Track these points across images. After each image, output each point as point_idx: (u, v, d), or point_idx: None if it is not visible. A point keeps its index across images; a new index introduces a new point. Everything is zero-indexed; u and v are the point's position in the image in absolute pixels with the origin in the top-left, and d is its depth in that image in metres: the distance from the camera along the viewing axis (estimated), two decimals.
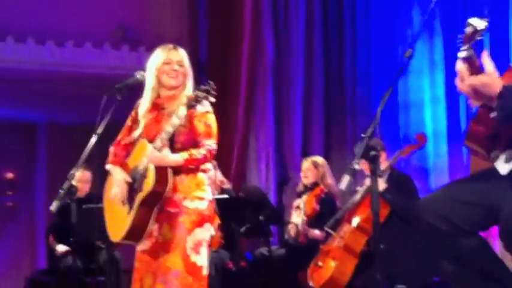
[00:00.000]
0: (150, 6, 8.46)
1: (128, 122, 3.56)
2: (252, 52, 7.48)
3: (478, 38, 1.99)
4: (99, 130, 3.48)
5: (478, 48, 2.06)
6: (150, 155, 3.23)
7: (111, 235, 3.49)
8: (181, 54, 3.46)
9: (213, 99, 3.20)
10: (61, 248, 5.71)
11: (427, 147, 6.09)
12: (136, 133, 3.44)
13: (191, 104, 3.16)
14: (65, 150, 10.12)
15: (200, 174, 3.38)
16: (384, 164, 4.88)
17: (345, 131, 7.13)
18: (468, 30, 2.00)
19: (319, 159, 5.77)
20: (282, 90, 7.54)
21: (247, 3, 7.48)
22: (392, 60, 6.58)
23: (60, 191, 3.51)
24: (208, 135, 3.35)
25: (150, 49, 8.31)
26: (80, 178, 5.53)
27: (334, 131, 7.30)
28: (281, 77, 7.55)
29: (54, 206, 3.38)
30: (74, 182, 3.61)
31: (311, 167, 5.63)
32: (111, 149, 3.55)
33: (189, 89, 3.42)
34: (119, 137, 3.57)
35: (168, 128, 3.20)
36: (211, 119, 3.38)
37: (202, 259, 3.30)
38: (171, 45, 3.50)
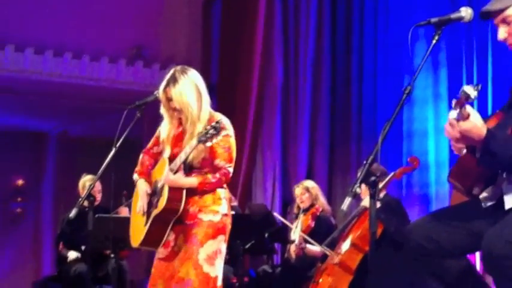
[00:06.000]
0: (165, 27, 8.66)
1: (157, 132, 3.66)
2: (261, 74, 7.68)
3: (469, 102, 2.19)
4: (118, 143, 3.62)
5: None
6: (166, 176, 3.38)
7: (131, 240, 3.64)
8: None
9: (219, 139, 3.25)
10: (72, 254, 5.91)
11: (429, 175, 6.25)
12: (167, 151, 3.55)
13: (201, 140, 3.24)
14: (72, 160, 10.34)
15: (218, 190, 3.47)
16: (379, 185, 5.04)
17: (349, 156, 7.27)
18: (462, 96, 2.17)
19: (309, 182, 6.03)
20: (289, 113, 7.72)
21: (259, 28, 7.69)
22: (397, 89, 6.70)
23: (79, 199, 3.70)
24: (226, 159, 3.42)
25: (164, 67, 8.55)
26: (95, 188, 5.65)
27: (339, 155, 7.46)
28: (289, 100, 7.73)
29: (73, 213, 3.53)
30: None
31: (304, 192, 5.87)
32: (140, 157, 3.67)
33: (205, 110, 3.45)
34: (148, 146, 3.69)
35: (182, 154, 3.33)
36: (231, 143, 3.45)
37: (216, 270, 3.38)
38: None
